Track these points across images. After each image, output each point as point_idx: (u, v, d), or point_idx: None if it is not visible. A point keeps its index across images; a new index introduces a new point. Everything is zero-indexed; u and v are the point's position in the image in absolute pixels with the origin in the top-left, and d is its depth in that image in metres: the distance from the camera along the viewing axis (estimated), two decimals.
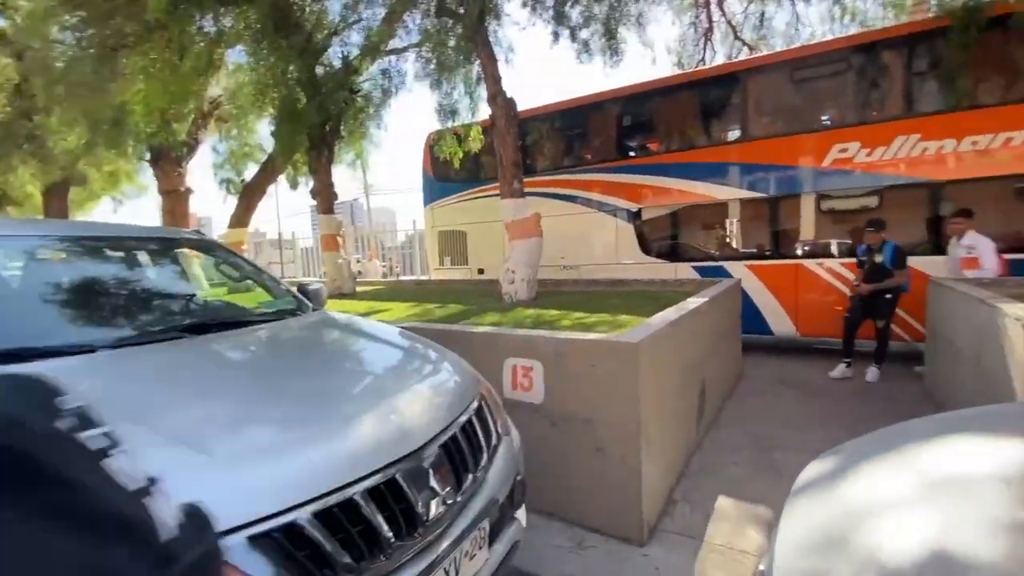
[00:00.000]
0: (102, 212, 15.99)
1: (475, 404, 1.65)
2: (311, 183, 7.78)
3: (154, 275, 2.23)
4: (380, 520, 1.12)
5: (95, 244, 2.10)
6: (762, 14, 10.55)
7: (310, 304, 2.44)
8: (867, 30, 7.49)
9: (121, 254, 2.18)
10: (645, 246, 7.37)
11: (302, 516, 1.02)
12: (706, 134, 7.26)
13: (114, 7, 6.95)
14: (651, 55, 9.42)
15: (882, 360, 5.13)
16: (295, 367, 1.66)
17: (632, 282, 6.17)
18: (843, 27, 8.96)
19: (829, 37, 8.29)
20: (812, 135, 6.25)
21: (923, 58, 5.77)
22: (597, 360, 2.53)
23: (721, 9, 10.93)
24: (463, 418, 1.54)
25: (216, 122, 11.91)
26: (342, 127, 7.41)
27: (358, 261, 18.67)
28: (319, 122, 6.84)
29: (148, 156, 11.46)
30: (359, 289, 7.86)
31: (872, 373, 5.12)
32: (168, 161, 11.03)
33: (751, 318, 6.23)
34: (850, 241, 6.20)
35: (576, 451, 2.65)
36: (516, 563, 2.17)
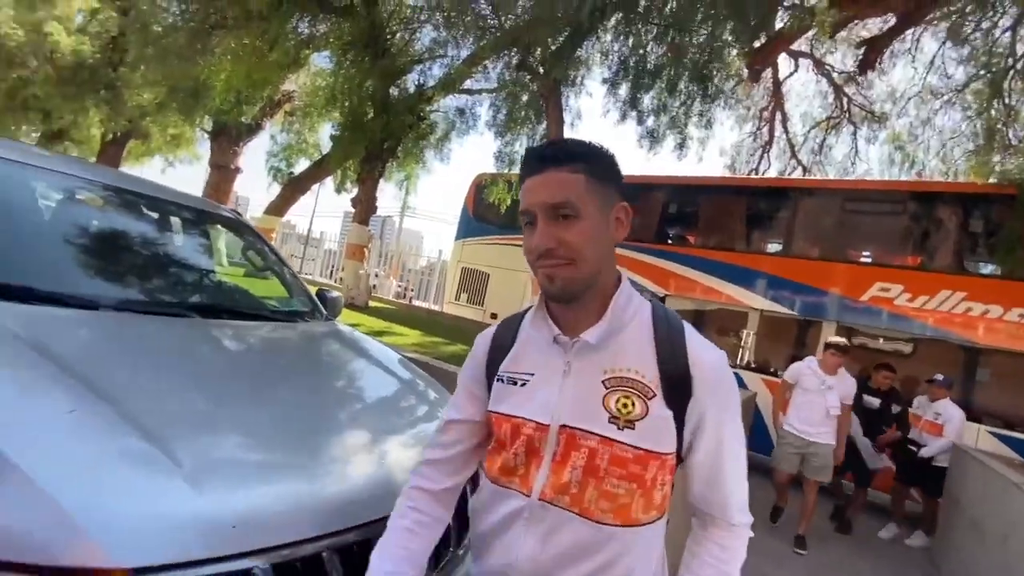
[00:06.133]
0: (151, 170, 16.56)
1: None
2: (355, 191, 7.93)
3: (180, 244, 2.17)
4: None
5: (132, 198, 2.05)
6: (823, 140, 10.88)
7: (324, 312, 2.34)
8: (924, 180, 7.56)
9: (155, 214, 2.12)
10: None
11: (258, 566, 0.87)
12: (746, 240, 7.24)
13: None
14: (701, 153, 9.61)
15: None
16: (295, 381, 1.54)
17: None
18: (900, 172, 9.13)
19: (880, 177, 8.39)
20: (851, 266, 6.18)
21: (980, 219, 5.74)
22: None
23: (784, 128, 11.26)
24: None
25: (284, 114, 12.42)
26: (400, 147, 7.61)
27: (376, 276, 18.77)
28: (380, 138, 7.04)
29: (210, 129, 11.92)
30: (371, 304, 7.80)
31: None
32: (227, 138, 11.46)
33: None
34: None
35: None
36: None
